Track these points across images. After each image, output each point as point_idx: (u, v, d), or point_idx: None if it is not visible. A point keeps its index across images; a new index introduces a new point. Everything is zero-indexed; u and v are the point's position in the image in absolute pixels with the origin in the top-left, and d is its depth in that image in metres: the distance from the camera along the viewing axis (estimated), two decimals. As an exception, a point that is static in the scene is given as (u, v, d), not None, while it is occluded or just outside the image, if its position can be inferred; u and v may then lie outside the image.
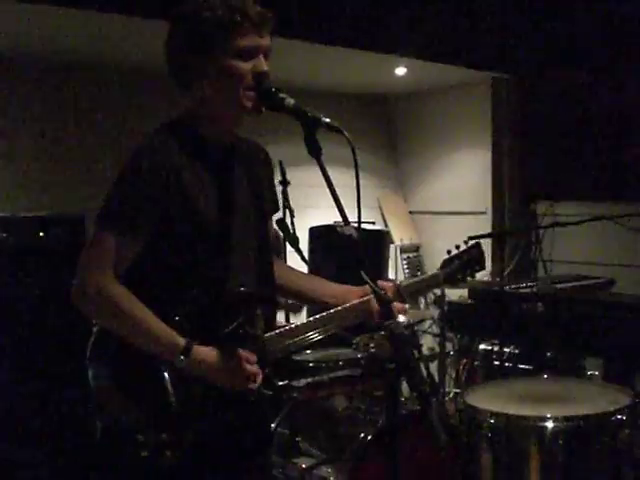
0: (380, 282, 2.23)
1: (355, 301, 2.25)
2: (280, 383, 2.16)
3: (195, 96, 2.11)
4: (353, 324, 2.28)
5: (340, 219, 1.86)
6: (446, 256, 2.45)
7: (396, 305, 2.21)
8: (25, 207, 4.26)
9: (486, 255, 2.55)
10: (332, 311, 2.23)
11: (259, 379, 2.04)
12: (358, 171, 1.89)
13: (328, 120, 1.92)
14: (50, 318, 3.87)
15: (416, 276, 6.18)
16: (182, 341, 1.99)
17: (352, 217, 1.88)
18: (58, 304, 3.79)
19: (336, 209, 1.86)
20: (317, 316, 2.22)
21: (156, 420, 2.02)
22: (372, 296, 2.18)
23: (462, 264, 2.44)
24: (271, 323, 2.21)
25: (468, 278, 2.47)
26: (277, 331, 2.16)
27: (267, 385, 2.11)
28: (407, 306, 2.33)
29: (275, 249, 3.67)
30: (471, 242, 2.48)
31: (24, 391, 3.81)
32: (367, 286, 2.19)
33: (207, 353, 2.01)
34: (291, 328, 2.17)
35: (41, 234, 3.94)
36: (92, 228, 2.07)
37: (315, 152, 1.90)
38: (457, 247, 2.46)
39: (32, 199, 4.51)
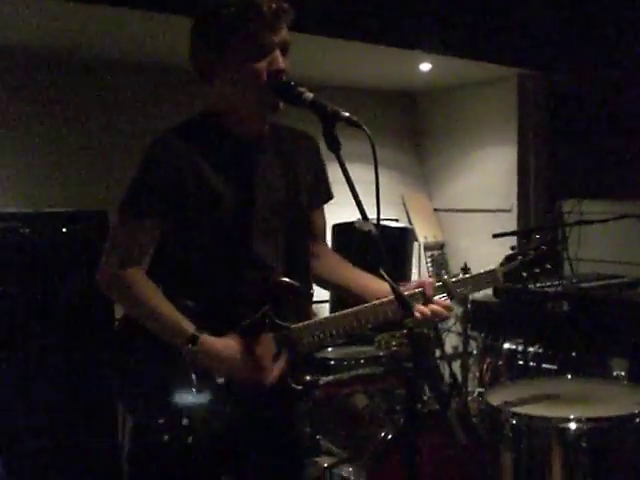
0: (421, 280, 2.19)
1: (384, 299, 2.14)
2: (308, 378, 2.12)
3: (216, 89, 2.12)
4: (383, 322, 2.15)
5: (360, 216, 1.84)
6: (512, 251, 2.32)
7: (440, 302, 2.15)
8: (48, 203, 4.27)
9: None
10: (363, 307, 2.15)
11: (273, 375, 2.02)
12: (377, 166, 1.85)
13: (347, 114, 1.90)
14: (73, 313, 3.88)
15: (439, 274, 6.17)
16: (190, 330, 1.99)
17: (373, 214, 1.86)
18: (80, 299, 3.82)
19: (355, 205, 1.84)
20: (347, 311, 2.14)
21: (178, 405, 2.02)
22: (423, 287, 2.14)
23: (527, 262, 2.29)
24: (303, 313, 2.16)
25: (535, 278, 2.29)
26: (304, 323, 2.11)
27: (296, 379, 2.09)
28: (452, 305, 2.20)
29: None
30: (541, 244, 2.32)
31: (47, 384, 3.83)
32: (408, 285, 2.17)
33: (217, 343, 2.01)
34: (320, 321, 2.12)
35: (64, 230, 3.95)
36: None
37: (334, 147, 1.88)
38: (524, 242, 2.31)
39: (55, 195, 4.53)
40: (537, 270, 2.29)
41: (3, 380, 3.71)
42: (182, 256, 2.08)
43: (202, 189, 2.03)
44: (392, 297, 2.07)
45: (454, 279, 2.23)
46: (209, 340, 2.00)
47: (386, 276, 1.78)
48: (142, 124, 4.81)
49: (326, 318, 2.14)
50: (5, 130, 4.46)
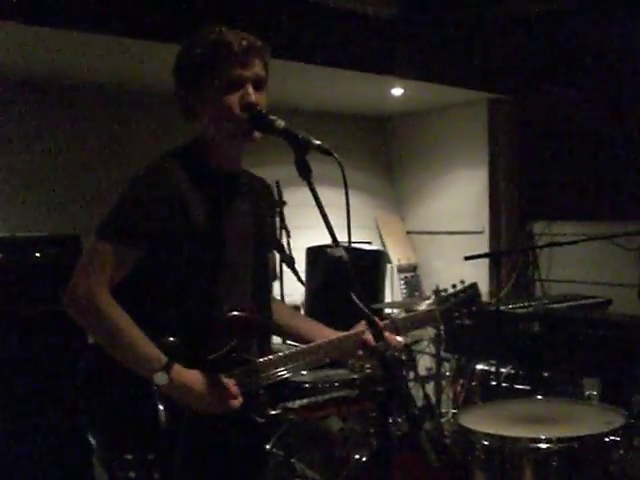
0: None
1: (343, 334, 2.28)
2: (272, 412, 2.16)
3: (198, 127, 2.16)
4: (339, 358, 2.38)
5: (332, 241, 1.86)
6: (443, 293, 2.50)
7: (390, 337, 2.25)
8: (21, 228, 4.27)
9: (484, 275, 2.57)
10: (320, 342, 2.26)
11: (237, 402, 2.05)
12: (348, 192, 1.90)
13: (318, 142, 1.93)
14: (46, 336, 3.87)
15: (413, 296, 6.21)
16: (164, 358, 1.99)
17: (346, 237, 1.88)
18: (54, 323, 3.80)
19: (326, 230, 1.87)
20: (308, 346, 2.26)
21: (145, 440, 2.02)
22: (357, 333, 2.26)
23: (459, 302, 2.47)
24: (264, 350, 2.22)
25: (464, 319, 2.50)
26: (269, 357, 2.16)
27: (259, 412, 2.11)
28: (402, 339, 2.35)
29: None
30: (469, 282, 2.52)
31: (19, 409, 3.81)
32: (358, 328, 2.26)
33: (188, 374, 2.02)
34: (282, 356, 2.17)
35: (37, 254, 3.95)
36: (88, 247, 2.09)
37: (305, 174, 1.91)
38: (454, 286, 2.50)
39: (28, 220, 4.52)
40: (465, 310, 2.48)
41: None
42: (154, 290, 2.09)
43: (187, 226, 2.05)
44: (349, 333, 2.27)
45: (401, 317, 2.43)
46: (181, 370, 2.01)
47: (357, 301, 1.80)
48: (116, 149, 4.83)
49: (288, 353, 2.20)
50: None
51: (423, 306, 2.50)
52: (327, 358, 2.27)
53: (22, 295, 3.87)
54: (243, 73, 2.07)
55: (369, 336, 2.21)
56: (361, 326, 2.28)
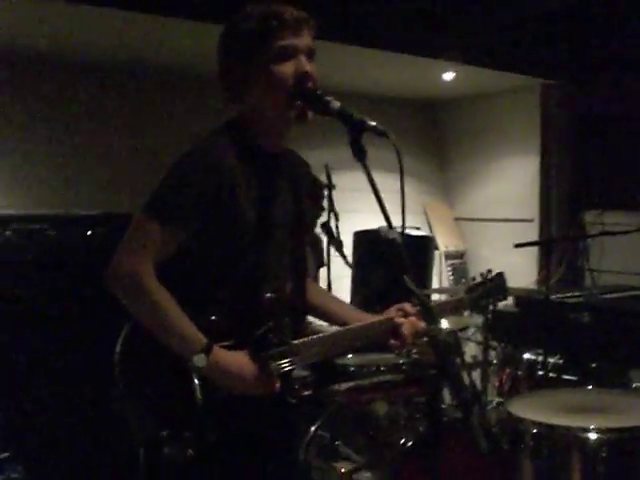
0: (403, 305, 2.28)
1: (375, 319, 2.29)
2: (305, 393, 2.16)
3: (246, 105, 2.14)
4: (373, 342, 2.32)
5: (385, 224, 1.85)
6: (471, 282, 2.56)
7: (416, 322, 2.26)
8: (74, 206, 4.33)
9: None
10: (356, 326, 2.26)
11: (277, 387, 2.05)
12: (403, 175, 1.87)
13: (374, 123, 1.90)
14: (98, 315, 3.90)
15: (460, 283, 6.17)
16: (204, 340, 1.98)
17: (397, 222, 1.87)
18: (104, 302, 3.83)
19: (381, 213, 1.86)
20: (342, 329, 2.27)
21: (180, 417, 2.01)
22: (388, 318, 2.27)
23: (486, 291, 2.53)
24: (299, 332, 2.20)
25: (490, 306, 2.61)
26: (305, 339, 2.14)
27: (291, 393, 2.11)
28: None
29: (317, 255, 3.67)
30: (495, 272, 2.59)
31: (69, 385, 3.86)
32: (390, 313, 2.28)
33: (227, 356, 2.01)
34: (318, 337, 2.16)
35: (89, 233, 3.99)
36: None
37: (360, 156, 1.89)
38: (481, 275, 2.56)
39: (81, 198, 4.58)
40: (492, 300, 2.57)
41: (24, 380, 3.75)
42: (198, 270, 2.10)
43: (233, 206, 2.04)
44: (381, 318, 2.27)
45: (433, 303, 2.44)
46: (220, 352, 2.00)
47: (410, 284, 1.80)
48: (169, 129, 4.87)
49: (322, 335, 2.19)
50: (36, 133, 4.53)
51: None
52: (359, 342, 2.27)
53: (74, 273, 3.92)
54: (296, 42, 2.05)
55: (400, 321, 2.25)
56: (393, 312, 2.29)
